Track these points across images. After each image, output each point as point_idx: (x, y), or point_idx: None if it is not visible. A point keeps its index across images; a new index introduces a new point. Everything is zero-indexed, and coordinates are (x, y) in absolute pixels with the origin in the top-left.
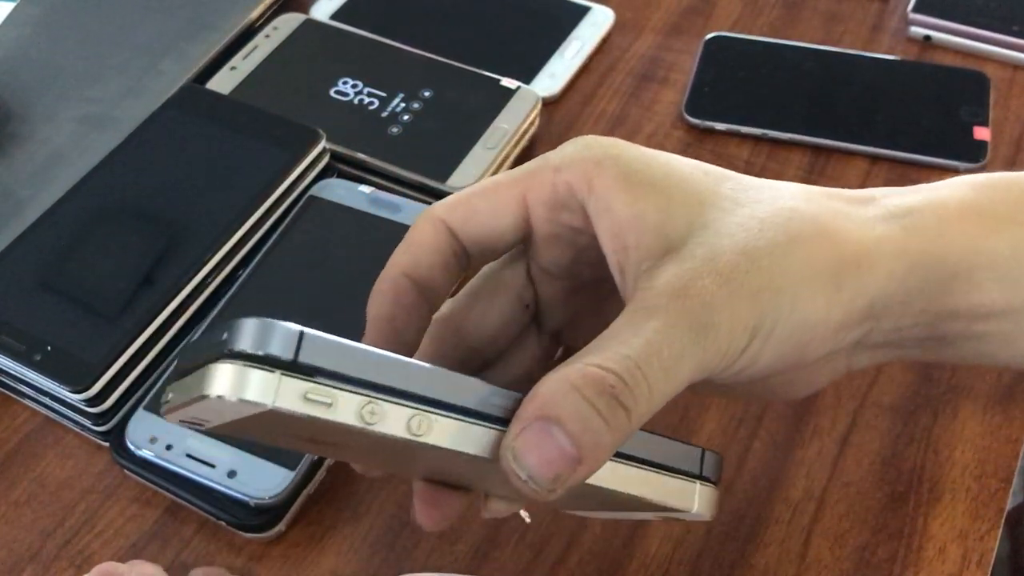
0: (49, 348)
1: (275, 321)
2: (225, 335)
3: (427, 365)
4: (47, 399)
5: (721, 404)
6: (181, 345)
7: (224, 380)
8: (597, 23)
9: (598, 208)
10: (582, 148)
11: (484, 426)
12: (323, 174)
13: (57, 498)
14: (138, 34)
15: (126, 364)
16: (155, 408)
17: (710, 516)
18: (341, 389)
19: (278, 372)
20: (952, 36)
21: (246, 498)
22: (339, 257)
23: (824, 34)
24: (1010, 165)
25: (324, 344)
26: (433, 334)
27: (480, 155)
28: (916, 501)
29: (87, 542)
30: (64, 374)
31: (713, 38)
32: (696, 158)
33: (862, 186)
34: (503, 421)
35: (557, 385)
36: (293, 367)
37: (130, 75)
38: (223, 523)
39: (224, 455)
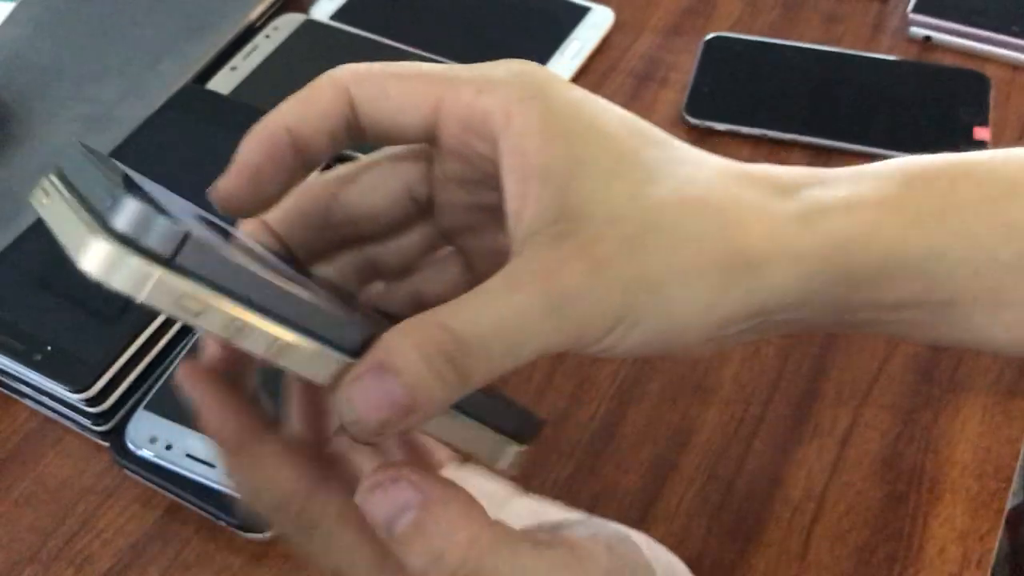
0: (49, 348)
1: (160, 215)
2: (109, 203)
3: (306, 295)
4: (47, 399)
5: (721, 405)
6: None
7: (96, 259)
8: (597, 23)
9: (509, 146)
10: (513, 75)
11: (341, 360)
12: (322, 174)
13: (57, 498)
14: (138, 34)
15: (126, 364)
16: (155, 408)
17: (516, 472)
18: (213, 299)
19: (157, 268)
20: (952, 36)
21: None
22: None
23: (824, 34)
24: None
25: (206, 252)
26: (303, 192)
27: None
28: (916, 501)
29: (87, 542)
30: (64, 374)
31: (713, 38)
32: None
33: None
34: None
35: (404, 337)
36: (170, 265)
37: (130, 75)
38: (223, 523)
39: None
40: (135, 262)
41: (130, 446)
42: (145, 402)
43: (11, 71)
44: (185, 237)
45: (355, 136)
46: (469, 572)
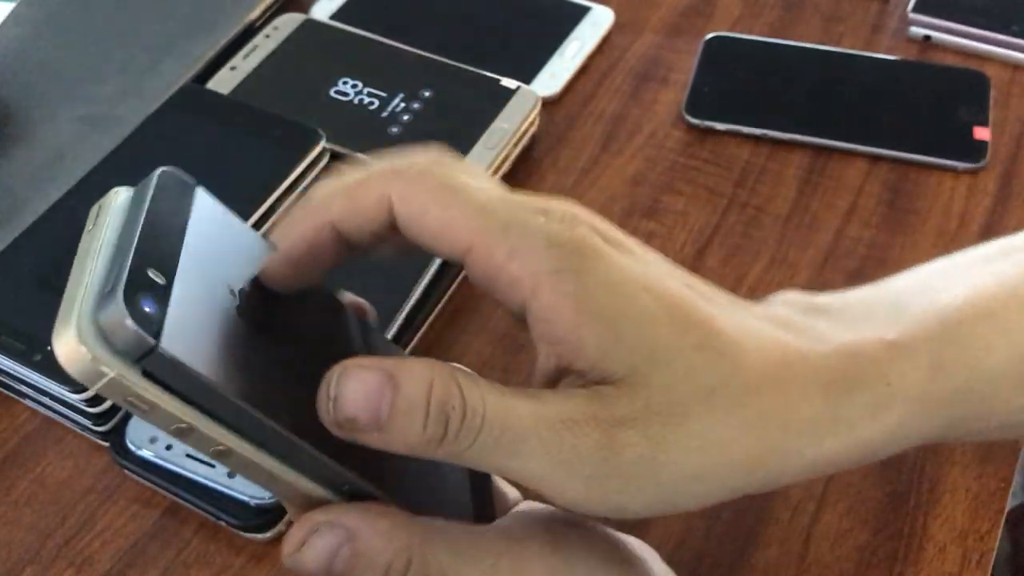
0: (49, 348)
1: (129, 322)
2: (93, 300)
3: (256, 415)
4: (47, 399)
5: None
6: None
7: (62, 347)
8: (597, 23)
9: (538, 316)
10: (549, 243)
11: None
12: (323, 174)
13: (57, 498)
14: (138, 34)
15: None
16: None
17: None
18: (164, 402)
19: (111, 370)
20: (952, 36)
21: (246, 498)
22: None
23: (824, 34)
24: (1010, 165)
25: (168, 365)
26: (312, 227)
27: (480, 155)
28: (916, 501)
29: (87, 542)
30: (64, 374)
31: (713, 38)
32: (696, 158)
33: (861, 187)
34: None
35: (421, 372)
36: (137, 364)
37: (130, 75)
38: (223, 523)
39: None
40: (87, 361)
41: (130, 446)
42: None
43: (11, 71)
44: (149, 351)
45: (398, 236)
46: (417, 569)
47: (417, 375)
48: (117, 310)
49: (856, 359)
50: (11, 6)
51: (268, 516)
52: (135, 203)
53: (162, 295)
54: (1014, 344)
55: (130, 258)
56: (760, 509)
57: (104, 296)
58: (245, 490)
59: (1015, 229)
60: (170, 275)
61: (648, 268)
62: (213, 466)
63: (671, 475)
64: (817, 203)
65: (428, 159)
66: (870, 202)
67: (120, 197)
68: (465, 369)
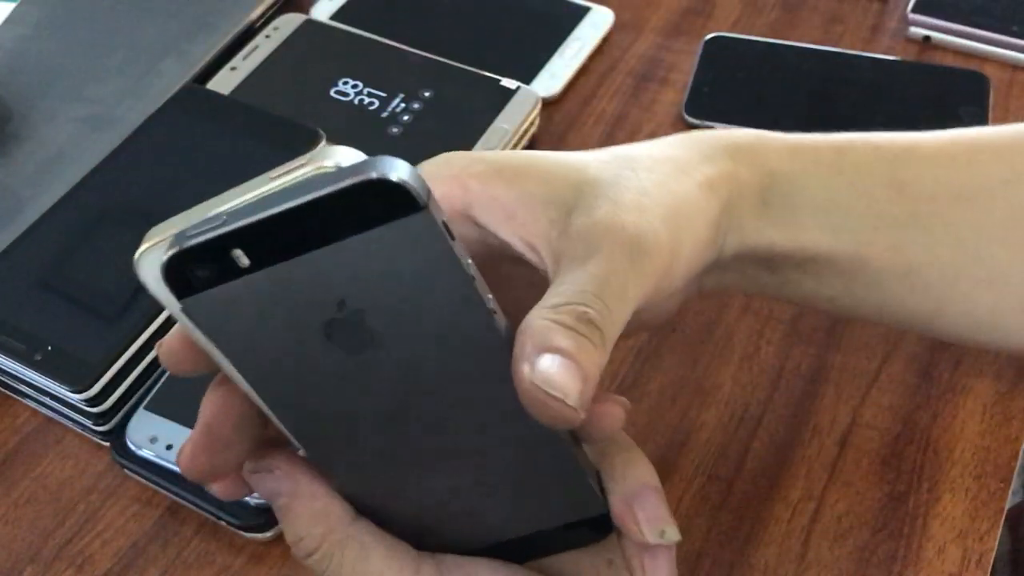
0: (49, 348)
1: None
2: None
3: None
4: (47, 399)
5: (721, 405)
6: None
7: (145, 264)
8: (597, 23)
9: (482, 204)
10: (442, 164)
11: None
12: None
13: (57, 498)
14: (138, 34)
15: (126, 364)
16: (156, 408)
17: None
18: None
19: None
20: (951, 36)
21: (246, 498)
22: None
23: (824, 34)
24: None
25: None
26: None
27: None
28: (916, 501)
29: (87, 542)
30: (64, 374)
31: (713, 38)
32: None
33: None
34: None
35: (544, 322)
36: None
37: (130, 75)
38: (223, 523)
39: None
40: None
41: (130, 446)
42: (145, 402)
43: (12, 71)
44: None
45: None
46: (321, 559)
47: (550, 331)
48: (166, 263)
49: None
50: (11, 6)
51: (268, 516)
52: (326, 181)
53: (227, 273)
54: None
55: (235, 226)
56: (760, 509)
57: (177, 241)
58: None
59: None
60: (260, 264)
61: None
62: None
63: (673, 196)
64: None
65: None
66: None
67: (330, 163)
68: None
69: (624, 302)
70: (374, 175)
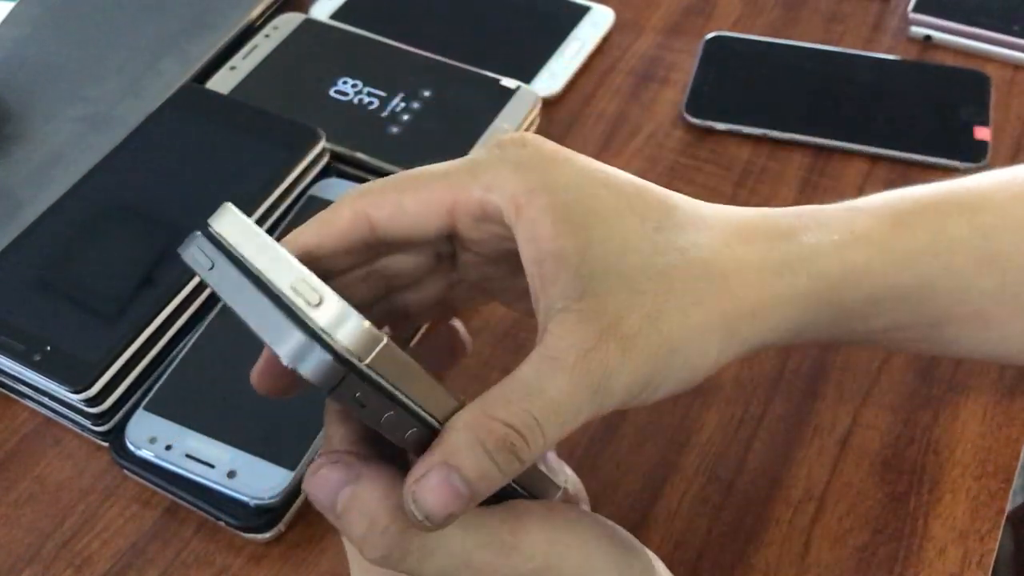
0: (49, 348)
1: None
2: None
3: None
4: (47, 399)
5: (721, 405)
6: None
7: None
8: (597, 23)
9: (524, 236)
10: (514, 167)
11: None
12: (323, 174)
13: (57, 498)
14: (138, 34)
15: (126, 364)
16: (155, 408)
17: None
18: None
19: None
20: (952, 36)
21: (246, 498)
22: None
23: (824, 34)
24: (1011, 164)
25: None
26: (343, 221)
27: None
28: (916, 501)
29: (87, 542)
30: (64, 374)
31: (713, 38)
32: (696, 158)
33: (861, 187)
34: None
35: (463, 436)
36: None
37: (129, 75)
38: (223, 523)
39: (224, 455)
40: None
41: (130, 446)
42: (145, 402)
43: (11, 70)
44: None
45: (373, 252)
46: (398, 533)
47: (464, 445)
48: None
49: (814, 216)
50: (10, 6)
51: (268, 516)
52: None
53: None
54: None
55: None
56: (760, 509)
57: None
58: (245, 490)
59: None
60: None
61: (602, 166)
62: (213, 466)
63: (680, 333)
64: (818, 203)
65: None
66: None
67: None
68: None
69: (564, 430)
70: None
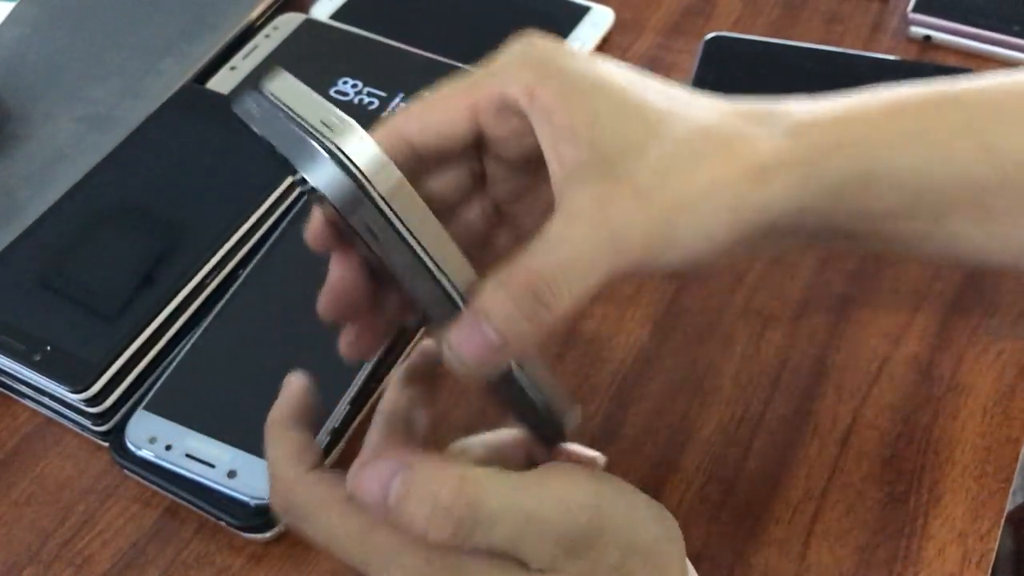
0: (49, 348)
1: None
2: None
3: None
4: (47, 399)
5: (721, 405)
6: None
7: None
8: (597, 23)
9: (539, 118)
10: (523, 56)
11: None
12: None
13: (57, 498)
14: (138, 34)
15: (126, 364)
16: (155, 408)
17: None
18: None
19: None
20: (952, 36)
21: (246, 498)
22: None
23: (824, 34)
24: None
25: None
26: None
27: None
28: (916, 501)
29: (87, 542)
30: (64, 374)
31: (713, 38)
32: None
33: None
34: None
35: (495, 285)
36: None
37: (130, 75)
38: (223, 523)
39: (224, 455)
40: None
41: (130, 446)
42: (145, 402)
43: (11, 71)
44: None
45: (414, 165)
46: (466, 506)
47: (494, 294)
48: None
49: (810, 101)
50: (11, 6)
51: (268, 516)
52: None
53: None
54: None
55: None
56: (760, 509)
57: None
58: (245, 490)
59: None
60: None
61: (605, 61)
62: (213, 466)
63: (690, 189)
64: None
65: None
66: None
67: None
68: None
69: (588, 281)
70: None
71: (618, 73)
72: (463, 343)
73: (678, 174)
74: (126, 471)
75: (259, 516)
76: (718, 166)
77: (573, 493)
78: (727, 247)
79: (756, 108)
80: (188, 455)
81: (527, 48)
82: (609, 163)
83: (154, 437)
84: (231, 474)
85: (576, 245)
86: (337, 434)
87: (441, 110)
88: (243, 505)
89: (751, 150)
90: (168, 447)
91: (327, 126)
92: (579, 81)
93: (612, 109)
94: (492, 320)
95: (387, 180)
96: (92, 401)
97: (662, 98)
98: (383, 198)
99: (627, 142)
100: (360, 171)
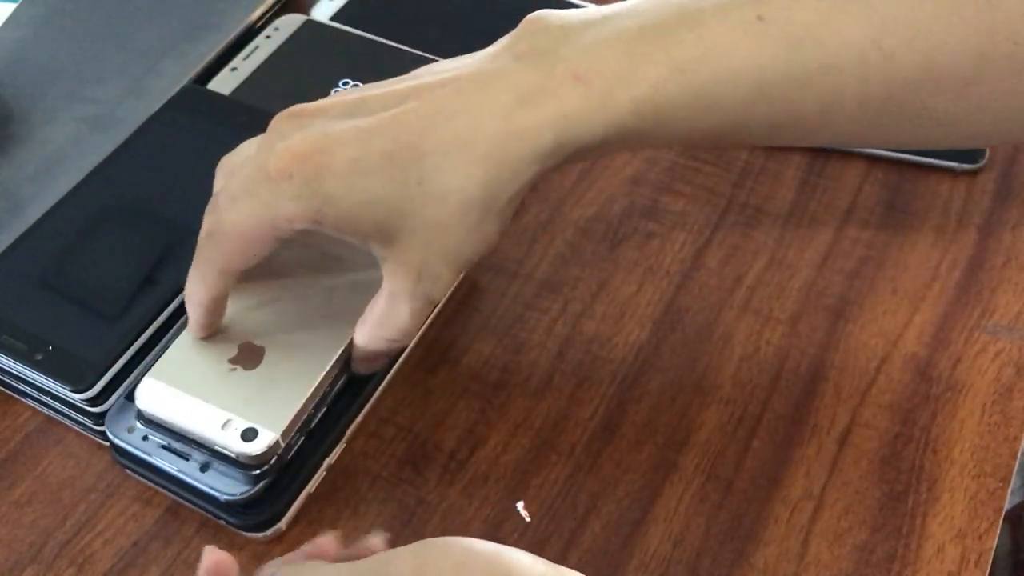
0: (50, 348)
1: None
2: None
3: None
4: (48, 399)
5: (720, 404)
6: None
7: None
8: None
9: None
10: (242, 184)
11: None
12: None
13: (58, 497)
14: (139, 35)
15: (127, 364)
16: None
17: None
18: None
19: None
20: None
21: (216, 493)
22: None
23: None
24: (1008, 165)
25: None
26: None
27: None
28: (915, 500)
29: (88, 541)
30: (65, 374)
31: None
32: (695, 158)
33: (860, 188)
34: None
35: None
36: None
37: (131, 76)
38: (223, 523)
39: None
40: None
41: (109, 435)
42: (125, 391)
43: (12, 71)
44: None
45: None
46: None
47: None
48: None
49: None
50: (12, 7)
51: (268, 516)
52: None
53: None
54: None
55: None
56: (759, 508)
57: None
58: (216, 484)
59: (1013, 229)
60: None
61: (342, 123)
62: (187, 459)
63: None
64: (815, 203)
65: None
66: (868, 203)
67: None
68: None
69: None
70: None
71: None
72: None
73: (425, 219)
74: (127, 470)
75: (259, 515)
76: (460, 180)
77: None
78: (511, 195)
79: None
80: (163, 446)
81: (248, 171)
82: (404, 257)
83: (132, 427)
84: (204, 467)
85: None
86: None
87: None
88: (214, 500)
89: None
90: (145, 438)
91: None
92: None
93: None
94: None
95: None
96: (93, 401)
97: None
98: None
99: (411, 240)
100: None
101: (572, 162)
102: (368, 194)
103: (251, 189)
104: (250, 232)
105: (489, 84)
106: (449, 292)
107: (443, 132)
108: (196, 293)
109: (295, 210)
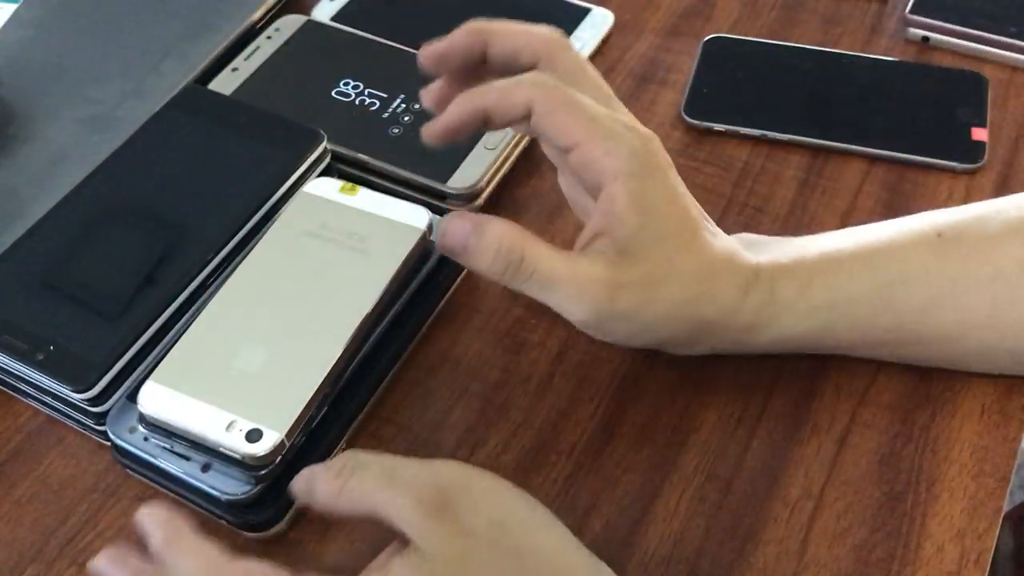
0: (51, 347)
1: None
2: None
3: None
4: (49, 398)
5: (720, 404)
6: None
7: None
8: (596, 25)
9: (606, 196)
10: (633, 153)
11: None
12: (324, 175)
13: (59, 497)
14: (140, 35)
15: (128, 363)
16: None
17: None
18: None
19: None
20: (950, 37)
21: (218, 493)
22: None
23: (822, 35)
24: (1008, 165)
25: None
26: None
27: (481, 155)
28: (914, 500)
29: (89, 541)
30: (66, 373)
31: (712, 39)
32: (695, 159)
33: (859, 188)
34: None
35: (500, 227)
36: None
37: (132, 76)
38: (223, 522)
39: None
40: None
41: (111, 435)
42: (127, 391)
43: (13, 72)
44: None
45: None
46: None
47: (495, 231)
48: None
49: (758, 272)
50: (13, 7)
51: (268, 515)
52: None
53: None
54: (876, 276)
55: None
56: (759, 508)
57: None
58: (218, 485)
59: None
60: None
61: (682, 192)
62: (188, 459)
63: (643, 320)
64: (815, 203)
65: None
66: (868, 202)
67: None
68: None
69: (540, 296)
70: None
71: (677, 207)
72: (451, 228)
73: (663, 289)
74: (128, 470)
75: (259, 515)
76: (686, 280)
77: None
78: (693, 324)
79: (742, 265)
80: (164, 447)
81: (640, 144)
82: (630, 259)
83: (134, 427)
84: (205, 467)
85: (568, 292)
86: (311, 431)
87: (559, 121)
88: (215, 500)
89: (707, 293)
90: (146, 438)
91: None
92: (650, 199)
93: (656, 232)
94: (481, 238)
95: None
96: (95, 401)
97: (694, 232)
98: None
99: (648, 257)
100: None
101: None
102: None
103: None
104: None
105: None
106: None
107: None
108: None
109: None
